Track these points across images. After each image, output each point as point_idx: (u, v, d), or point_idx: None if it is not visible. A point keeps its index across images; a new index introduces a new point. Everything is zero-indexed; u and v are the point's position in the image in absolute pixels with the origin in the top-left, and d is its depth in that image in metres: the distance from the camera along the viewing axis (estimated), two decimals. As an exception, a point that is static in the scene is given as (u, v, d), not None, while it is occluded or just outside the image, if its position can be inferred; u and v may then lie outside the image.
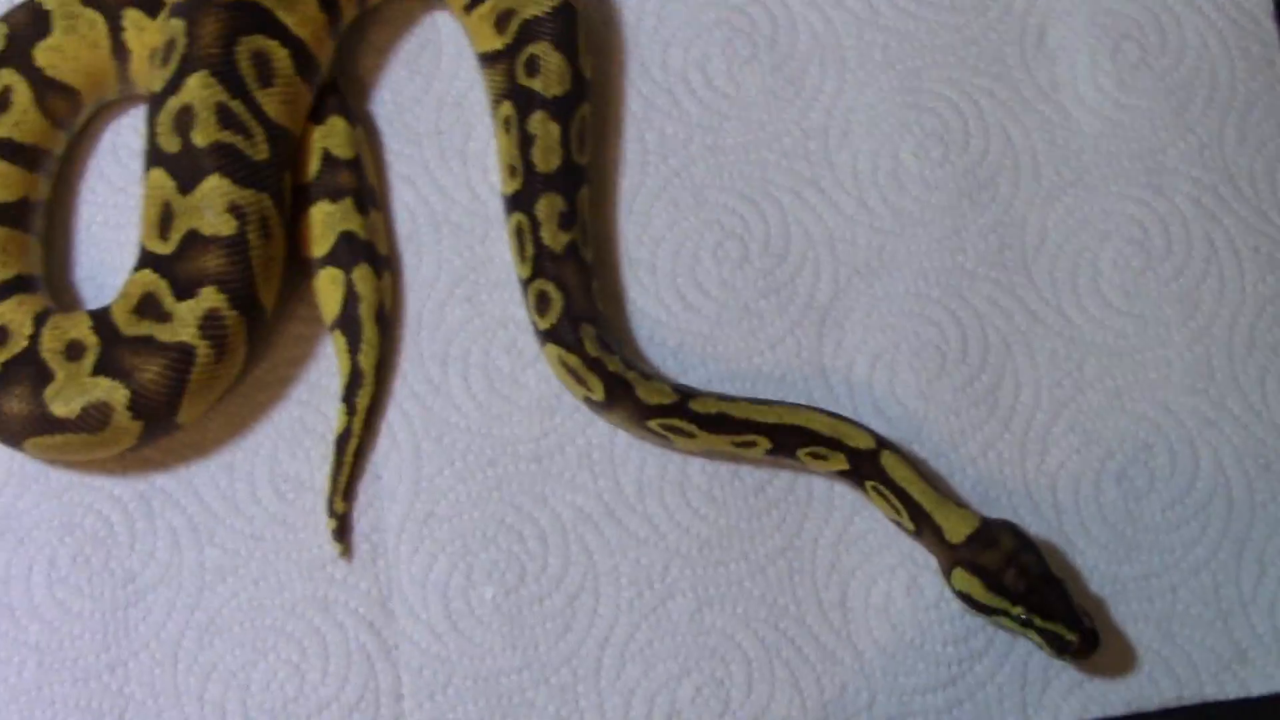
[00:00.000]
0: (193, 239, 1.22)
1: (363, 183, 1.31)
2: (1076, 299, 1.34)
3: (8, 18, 1.32)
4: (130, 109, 1.37)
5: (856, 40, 1.39)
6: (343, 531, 1.26)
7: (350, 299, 1.29)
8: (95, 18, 1.31)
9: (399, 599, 1.26)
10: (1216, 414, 1.31)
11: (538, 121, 1.29)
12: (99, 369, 1.20)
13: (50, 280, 1.32)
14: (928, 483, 1.23)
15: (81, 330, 1.23)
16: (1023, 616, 1.19)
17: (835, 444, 1.24)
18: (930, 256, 1.34)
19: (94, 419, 1.20)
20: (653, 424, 1.25)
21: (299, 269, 1.31)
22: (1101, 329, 1.33)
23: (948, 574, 1.23)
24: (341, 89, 1.34)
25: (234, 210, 1.23)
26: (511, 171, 1.30)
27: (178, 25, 1.26)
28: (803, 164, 1.36)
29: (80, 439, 1.20)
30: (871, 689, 1.24)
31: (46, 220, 1.33)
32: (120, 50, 1.32)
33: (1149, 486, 1.30)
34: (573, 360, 1.25)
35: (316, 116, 1.31)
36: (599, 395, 1.25)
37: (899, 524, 1.25)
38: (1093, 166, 1.37)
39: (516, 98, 1.30)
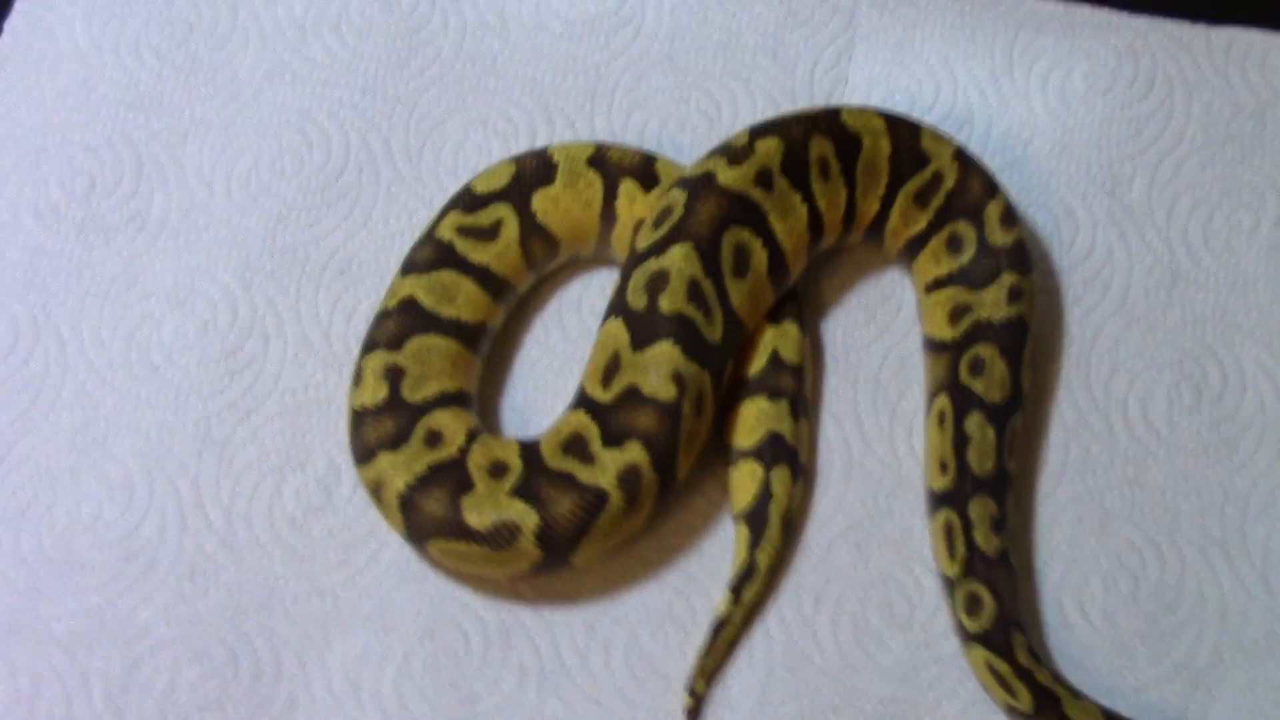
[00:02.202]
0: (632, 394, 1.29)
1: (801, 390, 1.37)
2: None
3: (519, 160, 1.41)
4: (599, 269, 1.45)
5: (1301, 424, 1.40)
6: (695, 712, 1.30)
7: (764, 495, 1.33)
8: (595, 179, 1.40)
9: (706, 807, 1.28)
10: None
11: (975, 423, 1.31)
12: (517, 491, 1.27)
13: (480, 402, 1.40)
14: None
15: (509, 453, 1.30)
16: None
17: None
18: (1318, 658, 1.33)
19: (501, 536, 1.26)
20: None
21: (718, 458, 1.36)
22: None
23: None
24: (801, 299, 1.40)
25: (676, 378, 1.28)
26: (943, 467, 1.32)
27: (679, 196, 1.34)
28: (1216, 525, 1.36)
29: (482, 552, 1.27)
30: None
31: (492, 346, 1.41)
32: (609, 214, 1.40)
33: None
34: (1002, 667, 1.26)
35: (773, 317, 1.38)
36: (1025, 706, 1.25)
37: None
38: None
39: (955, 394, 1.32)
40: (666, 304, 1.30)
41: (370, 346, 1.35)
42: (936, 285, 1.37)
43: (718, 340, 1.32)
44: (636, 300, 1.31)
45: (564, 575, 1.34)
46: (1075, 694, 1.25)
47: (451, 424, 1.31)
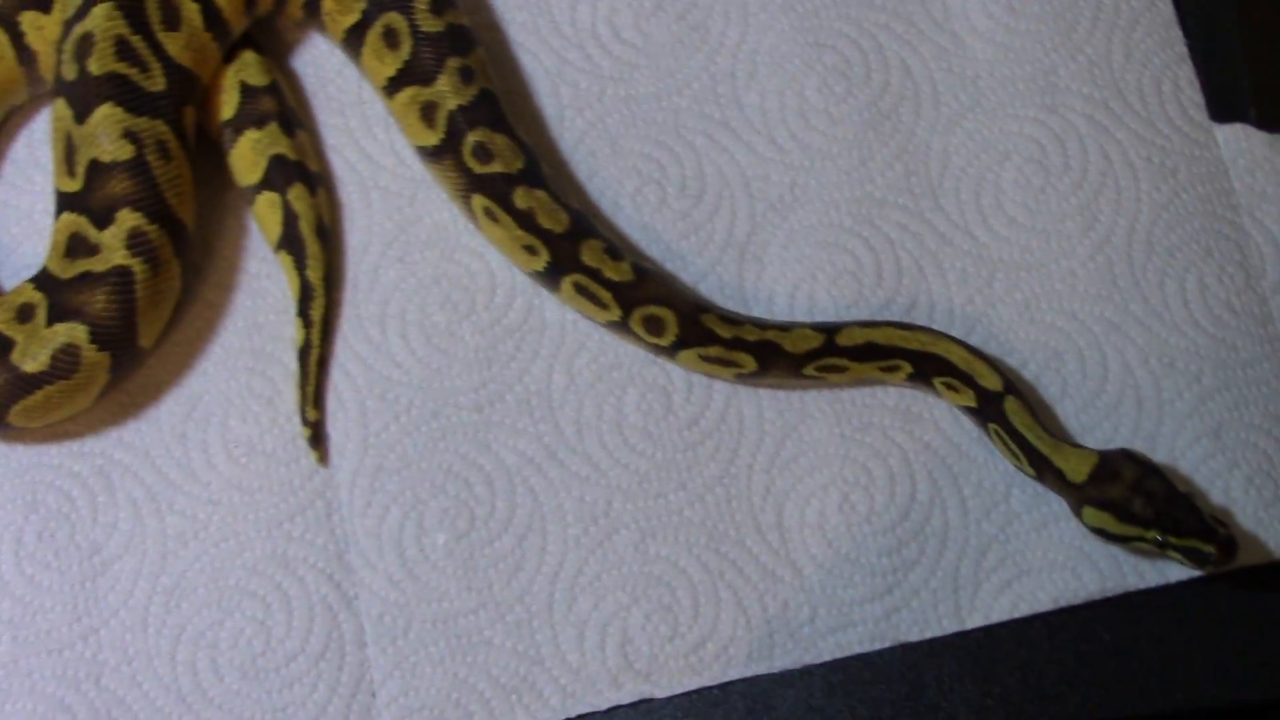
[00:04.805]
0: (95, 169, 1.27)
1: (284, 105, 1.36)
2: (982, 219, 1.40)
3: None
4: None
5: (757, -15, 1.45)
6: (317, 439, 1.33)
7: (290, 218, 1.34)
8: None
9: (355, 551, 1.31)
10: (1121, 319, 1.38)
11: (522, 195, 1.29)
12: (53, 319, 1.26)
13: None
14: (1043, 428, 1.28)
15: (26, 294, 1.28)
16: (1158, 539, 1.24)
17: (968, 379, 1.29)
18: (840, 188, 1.40)
19: (65, 364, 1.25)
20: (808, 370, 1.30)
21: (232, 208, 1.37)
22: (1008, 246, 1.39)
23: (1078, 513, 1.28)
24: (256, 39, 1.39)
25: (129, 136, 1.27)
26: (531, 250, 1.30)
27: None
28: (713, 107, 1.42)
29: (59, 389, 1.26)
30: (812, 604, 1.31)
31: None
32: (26, 54, 1.35)
33: (1062, 393, 1.36)
34: (714, 351, 1.29)
35: (227, 58, 1.36)
36: (751, 367, 1.29)
37: (1020, 469, 1.31)
38: (989, 91, 1.43)
39: (484, 187, 1.30)
40: (96, 67, 1.27)
41: None
42: (392, 87, 1.34)
43: (161, 89, 1.29)
44: (69, 71, 1.28)
45: (138, 383, 1.34)
46: (786, 328, 1.30)
47: (-44, 307, 1.29)
